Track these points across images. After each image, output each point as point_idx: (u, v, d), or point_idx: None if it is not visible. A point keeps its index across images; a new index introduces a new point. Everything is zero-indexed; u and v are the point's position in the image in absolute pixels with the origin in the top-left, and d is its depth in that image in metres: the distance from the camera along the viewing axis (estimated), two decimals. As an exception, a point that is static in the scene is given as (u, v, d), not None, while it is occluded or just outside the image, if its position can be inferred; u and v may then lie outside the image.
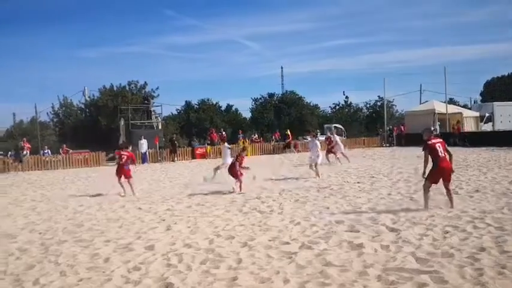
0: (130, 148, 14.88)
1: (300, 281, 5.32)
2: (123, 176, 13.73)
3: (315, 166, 15.46)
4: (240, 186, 12.92)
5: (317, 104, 59.47)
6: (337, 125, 42.45)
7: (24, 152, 27.22)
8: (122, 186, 13.67)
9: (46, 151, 28.40)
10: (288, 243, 6.96)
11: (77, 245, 7.58)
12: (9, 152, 28.61)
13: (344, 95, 58.79)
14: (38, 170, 25.80)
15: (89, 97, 41.86)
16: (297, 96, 56.30)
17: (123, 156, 13.93)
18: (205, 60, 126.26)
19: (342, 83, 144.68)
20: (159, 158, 29.22)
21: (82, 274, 5.96)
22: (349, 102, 57.82)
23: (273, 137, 37.71)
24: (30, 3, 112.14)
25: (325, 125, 43.04)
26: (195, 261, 6.26)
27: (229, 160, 14.65)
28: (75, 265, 6.38)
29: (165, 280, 5.57)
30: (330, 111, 58.84)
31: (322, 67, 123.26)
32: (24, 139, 28.76)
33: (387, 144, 35.76)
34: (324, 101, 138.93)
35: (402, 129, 36.31)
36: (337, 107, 58.10)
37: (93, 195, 13.61)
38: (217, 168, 15.89)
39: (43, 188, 16.67)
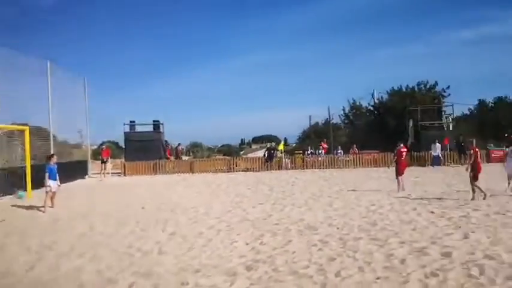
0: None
1: None
2: (402, 172, 15.12)
3: None
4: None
5: None
6: None
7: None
8: (399, 182, 14.89)
9: (339, 151, 30.35)
10: None
11: (372, 243, 7.88)
12: (306, 152, 31.67)
13: None
14: (331, 168, 27.85)
15: (378, 99, 42.89)
16: None
17: (403, 152, 15.51)
18: (503, 52, 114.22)
19: None
20: (449, 161, 27.92)
21: (379, 272, 6.17)
22: None
23: None
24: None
25: None
26: (498, 276, 5.75)
27: None
28: (372, 262, 6.64)
29: (467, 291, 5.30)
30: None
31: None
32: (325, 140, 31.48)
33: None
34: None
35: None
36: None
37: (381, 194, 13.92)
38: None
39: (336, 185, 17.85)
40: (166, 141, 34.27)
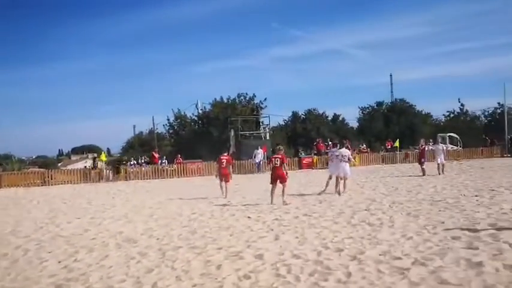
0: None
1: (412, 299, 5.10)
2: (224, 179, 15.61)
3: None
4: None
5: (429, 112, 56.99)
6: (452, 134, 40.23)
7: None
8: (222, 188, 15.53)
9: (164, 161, 30.27)
10: (399, 258, 6.69)
11: (191, 251, 7.97)
12: (129, 162, 31.00)
13: (459, 102, 55.23)
14: (156, 178, 27.59)
15: (201, 109, 43.92)
16: (408, 105, 54.27)
17: (222, 160, 16.03)
18: (311, 70, 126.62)
19: (456, 90, 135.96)
20: (266, 168, 29.85)
21: (196, 280, 6.25)
22: (465, 110, 54.49)
23: (385, 146, 36.82)
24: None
25: (439, 134, 40.81)
26: (303, 273, 6.26)
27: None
28: (190, 271, 6.70)
29: (274, 290, 5.66)
30: (443, 120, 55.98)
31: (434, 73, 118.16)
32: (156, 149, 31.21)
33: (508, 155, 33.15)
34: (437, 108, 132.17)
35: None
36: (452, 115, 54.99)
37: (204, 203, 14.22)
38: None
39: (160, 195, 17.73)
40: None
